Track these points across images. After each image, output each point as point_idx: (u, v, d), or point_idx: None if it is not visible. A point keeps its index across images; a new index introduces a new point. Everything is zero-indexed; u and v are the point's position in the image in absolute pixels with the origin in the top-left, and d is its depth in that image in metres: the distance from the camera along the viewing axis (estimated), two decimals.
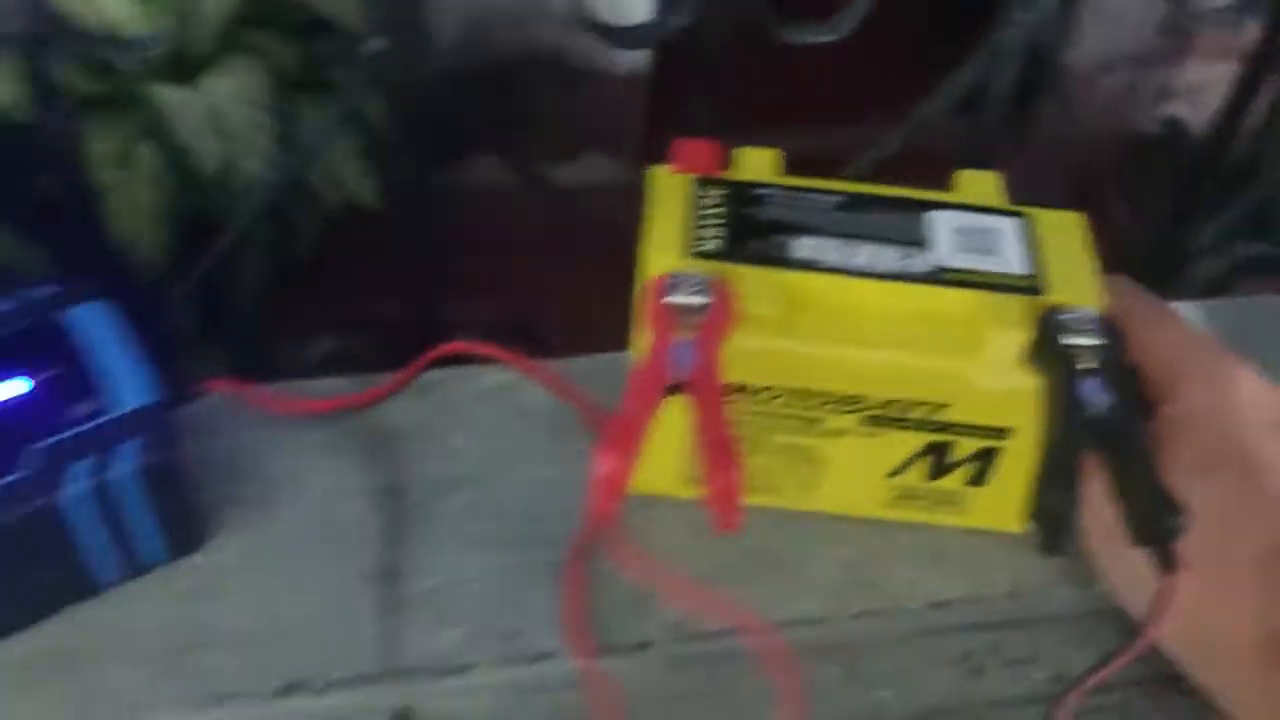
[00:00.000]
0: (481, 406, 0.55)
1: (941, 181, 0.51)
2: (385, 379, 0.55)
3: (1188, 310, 0.59)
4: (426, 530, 0.50)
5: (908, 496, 0.50)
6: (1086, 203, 0.49)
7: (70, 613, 0.45)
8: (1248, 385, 0.45)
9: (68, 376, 0.44)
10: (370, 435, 0.53)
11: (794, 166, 0.50)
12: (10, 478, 0.41)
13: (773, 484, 0.50)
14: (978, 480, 0.49)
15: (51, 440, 0.42)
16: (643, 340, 0.44)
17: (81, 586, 0.45)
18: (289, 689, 0.45)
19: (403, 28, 0.52)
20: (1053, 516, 0.41)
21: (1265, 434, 0.43)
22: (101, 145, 1.32)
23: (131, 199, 1.25)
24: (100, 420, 0.43)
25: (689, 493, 0.50)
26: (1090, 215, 0.49)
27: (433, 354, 0.56)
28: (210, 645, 0.45)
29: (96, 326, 0.46)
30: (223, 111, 1.28)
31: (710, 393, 0.41)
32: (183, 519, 0.46)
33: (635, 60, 1.84)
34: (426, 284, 0.64)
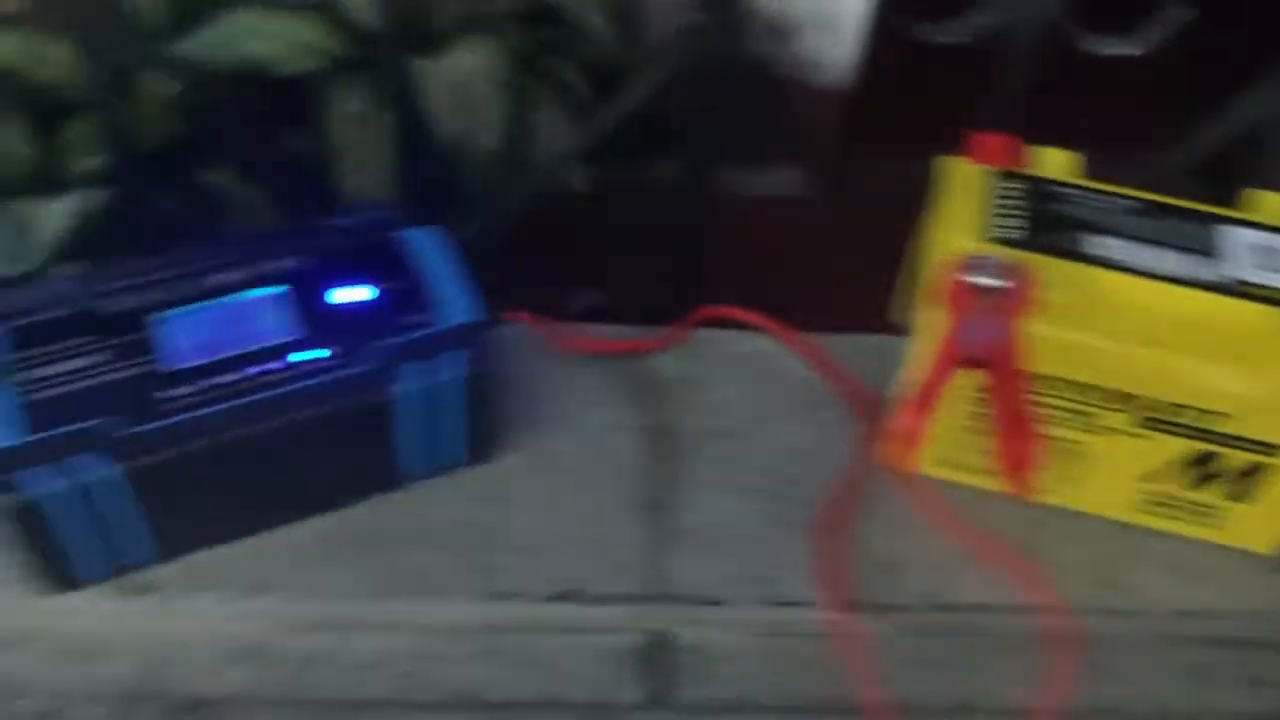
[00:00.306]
0: (744, 367, 0.58)
1: None
2: (656, 332, 0.58)
3: None
4: (692, 472, 0.53)
5: (1163, 504, 0.51)
6: None
7: (377, 500, 0.50)
8: None
9: (404, 289, 0.49)
10: (643, 381, 0.56)
11: None
12: (354, 369, 0.46)
13: None
14: (1238, 496, 0.49)
15: (389, 341, 0.47)
16: (933, 315, 0.46)
17: (390, 478, 0.50)
18: (562, 596, 0.48)
19: (718, 7, 0.55)
20: None
21: None
22: (346, 106, 1.40)
23: (368, 159, 1.32)
24: (431, 330, 0.48)
25: (951, 476, 0.52)
26: None
27: (702, 313, 0.59)
28: (495, 547, 0.49)
29: (427, 248, 0.50)
30: (465, 85, 1.35)
31: (1009, 367, 0.43)
32: (484, 429, 0.51)
33: (840, 73, 1.85)
34: (683, 264, 0.67)
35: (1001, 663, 0.48)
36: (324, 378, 0.46)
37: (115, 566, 0.46)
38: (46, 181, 0.73)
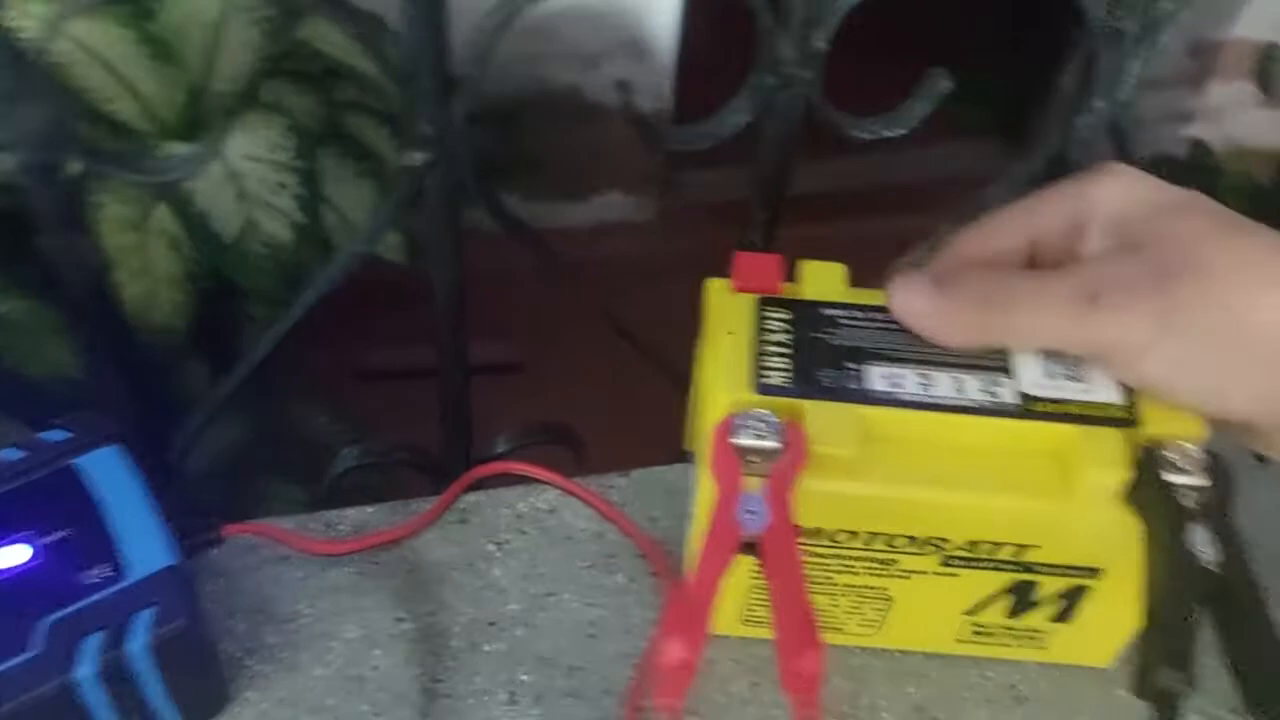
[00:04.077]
0: (522, 535, 0.51)
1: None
2: (420, 506, 0.51)
3: None
4: (468, 682, 0.46)
5: (985, 633, 0.46)
6: None
7: None
8: None
9: (79, 537, 0.41)
10: (405, 571, 0.49)
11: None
12: (21, 658, 0.38)
13: (834, 623, 0.46)
14: (1063, 617, 0.45)
15: (63, 613, 0.39)
16: (708, 487, 0.41)
17: None
18: None
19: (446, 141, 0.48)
20: (1164, 695, 0.36)
21: None
22: (117, 208, 1.27)
23: (147, 264, 1.21)
24: (113, 589, 0.40)
25: (747, 632, 0.46)
26: None
27: (469, 477, 0.52)
28: None
29: (108, 476, 0.42)
30: (242, 172, 1.24)
31: (787, 559, 0.37)
32: (202, 687, 0.43)
33: (657, 97, 1.80)
34: (456, 332, 0.59)
35: None
36: None
37: None
38: None
